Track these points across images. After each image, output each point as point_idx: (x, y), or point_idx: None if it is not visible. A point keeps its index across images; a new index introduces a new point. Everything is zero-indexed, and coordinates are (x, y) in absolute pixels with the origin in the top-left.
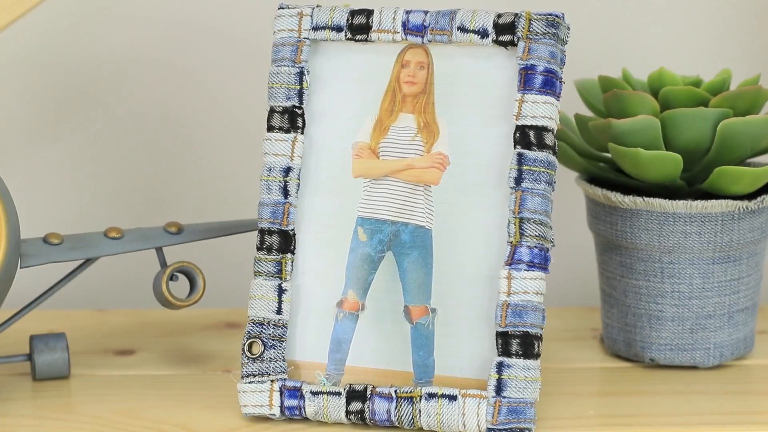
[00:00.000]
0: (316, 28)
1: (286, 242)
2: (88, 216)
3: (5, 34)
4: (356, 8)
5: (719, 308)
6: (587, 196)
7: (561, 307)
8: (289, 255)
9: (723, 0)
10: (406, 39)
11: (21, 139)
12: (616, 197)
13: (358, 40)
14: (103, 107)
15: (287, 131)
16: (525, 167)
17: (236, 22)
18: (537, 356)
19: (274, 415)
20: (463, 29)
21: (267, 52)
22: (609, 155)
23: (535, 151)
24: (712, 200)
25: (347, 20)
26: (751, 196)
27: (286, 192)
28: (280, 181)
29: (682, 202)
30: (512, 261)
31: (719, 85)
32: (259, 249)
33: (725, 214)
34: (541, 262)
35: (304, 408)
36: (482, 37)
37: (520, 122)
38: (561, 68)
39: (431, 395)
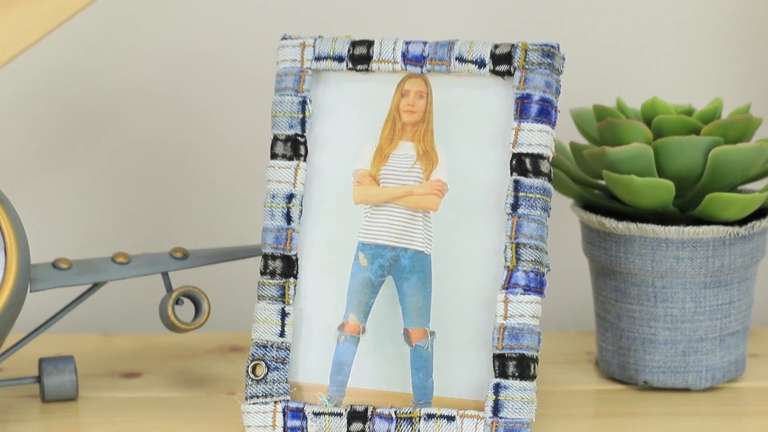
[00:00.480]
0: (318, 59)
1: (289, 267)
2: (96, 241)
3: (15, 64)
4: (357, 39)
5: (711, 332)
6: (582, 222)
7: (557, 330)
8: (291, 279)
9: (715, 31)
10: (406, 69)
11: (31, 166)
12: (610, 223)
13: (359, 70)
14: (110, 135)
15: (290, 159)
16: (521, 194)
17: (241, 53)
18: (533, 378)
19: None
20: (461, 59)
21: (270, 82)
22: (603, 182)
23: (531, 178)
24: (704, 226)
25: (348, 51)
26: (741, 222)
27: (289, 218)
28: (283, 208)
29: (674, 228)
30: (509, 285)
31: (711, 114)
32: (262, 273)
33: (717, 239)
34: (537, 286)
35: (307, 429)
36: (480, 67)
37: (517, 150)
38: (556, 97)
39: (430, 416)
